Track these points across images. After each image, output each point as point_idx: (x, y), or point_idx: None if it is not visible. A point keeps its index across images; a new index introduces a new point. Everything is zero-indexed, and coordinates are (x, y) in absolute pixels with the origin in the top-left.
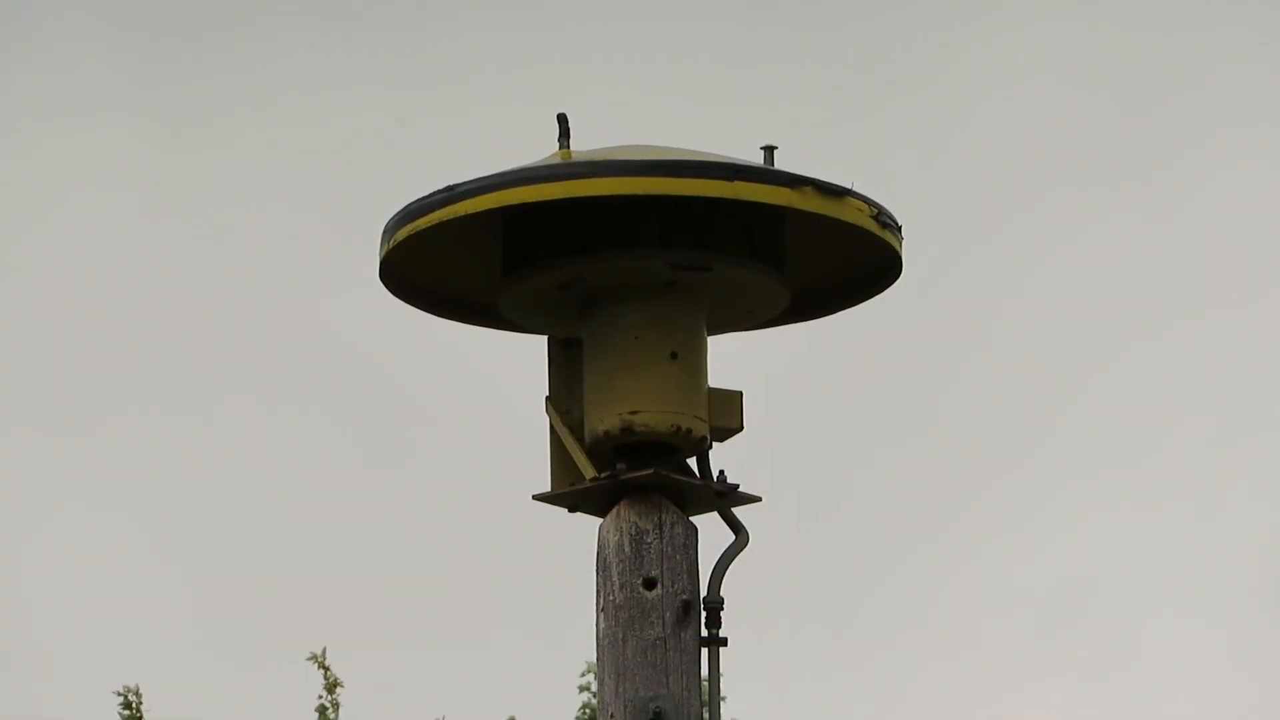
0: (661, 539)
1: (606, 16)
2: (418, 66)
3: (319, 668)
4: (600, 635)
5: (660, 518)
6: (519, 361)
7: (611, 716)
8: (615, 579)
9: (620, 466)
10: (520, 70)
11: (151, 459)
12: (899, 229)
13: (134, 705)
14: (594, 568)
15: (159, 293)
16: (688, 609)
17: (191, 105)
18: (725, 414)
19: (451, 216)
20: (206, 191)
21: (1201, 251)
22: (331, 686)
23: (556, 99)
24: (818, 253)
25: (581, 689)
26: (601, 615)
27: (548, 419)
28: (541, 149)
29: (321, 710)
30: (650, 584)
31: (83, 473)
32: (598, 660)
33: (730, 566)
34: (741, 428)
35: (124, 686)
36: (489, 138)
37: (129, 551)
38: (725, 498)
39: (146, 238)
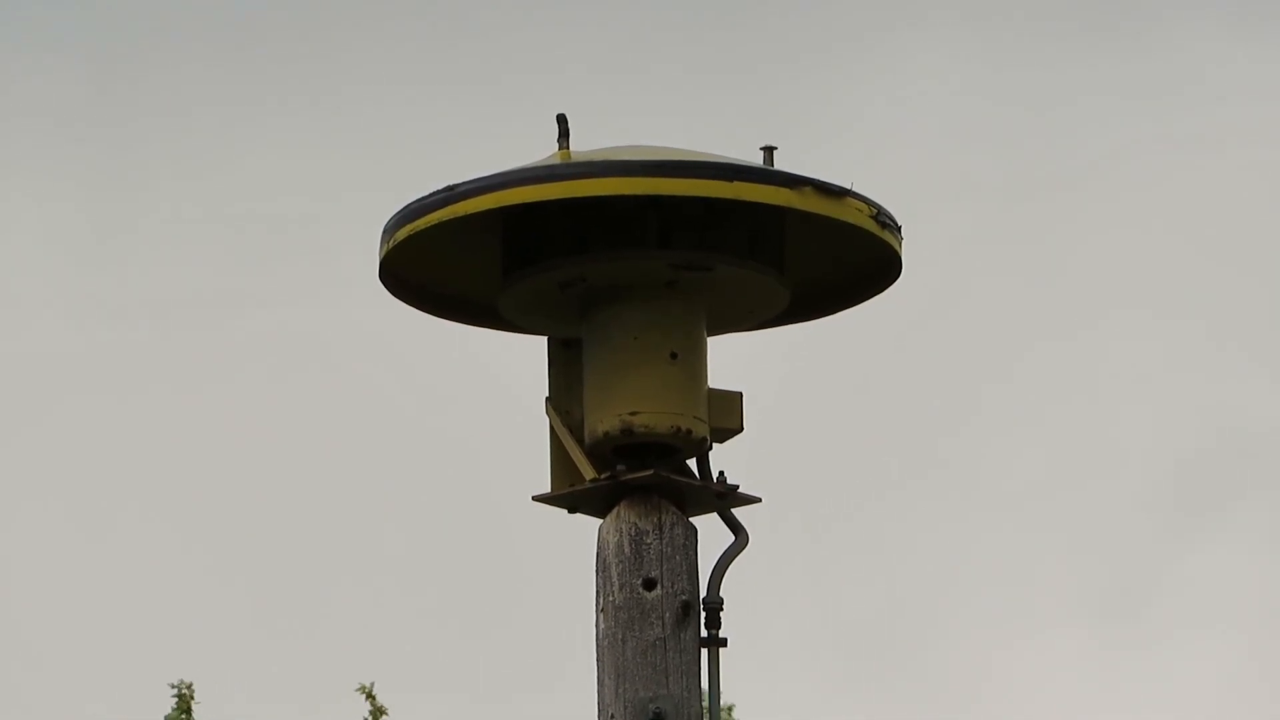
0: (661, 540)
1: (607, 16)
2: (416, 67)
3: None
4: (600, 636)
5: (660, 518)
6: (519, 362)
7: (611, 717)
8: (615, 580)
9: (620, 467)
10: (519, 70)
11: (150, 461)
12: (899, 229)
13: (186, 698)
14: (594, 568)
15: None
16: (687, 609)
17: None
18: (725, 415)
19: (451, 216)
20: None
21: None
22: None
23: (556, 99)
24: (818, 253)
25: None
26: (601, 616)
27: (547, 420)
28: (541, 149)
29: None
30: (650, 585)
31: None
32: (597, 661)
33: (730, 567)
34: (741, 428)
35: (179, 679)
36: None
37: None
38: (725, 499)
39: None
